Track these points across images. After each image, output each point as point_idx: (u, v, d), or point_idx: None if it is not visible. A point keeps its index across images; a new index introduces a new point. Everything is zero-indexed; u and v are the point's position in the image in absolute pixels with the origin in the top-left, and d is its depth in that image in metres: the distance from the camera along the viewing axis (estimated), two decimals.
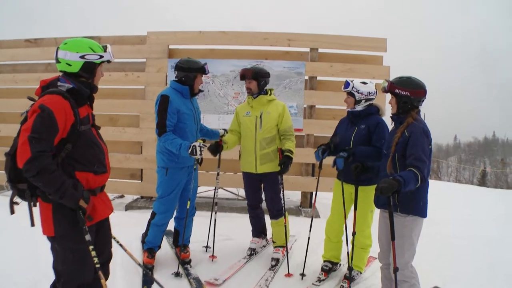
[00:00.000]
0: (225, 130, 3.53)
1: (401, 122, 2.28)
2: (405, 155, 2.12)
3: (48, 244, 1.84)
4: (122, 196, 5.89)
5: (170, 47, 5.30)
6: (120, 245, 2.20)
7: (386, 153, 2.27)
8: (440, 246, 3.84)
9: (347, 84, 2.85)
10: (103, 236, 1.98)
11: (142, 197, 5.50)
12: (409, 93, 2.22)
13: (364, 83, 2.85)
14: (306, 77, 5.15)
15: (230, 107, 5.13)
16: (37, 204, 1.79)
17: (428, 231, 2.86)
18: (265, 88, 3.30)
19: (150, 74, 5.28)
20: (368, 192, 2.70)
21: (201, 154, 2.78)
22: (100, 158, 1.89)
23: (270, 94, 3.30)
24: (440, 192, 6.92)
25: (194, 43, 5.25)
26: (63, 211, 1.75)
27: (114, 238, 2.10)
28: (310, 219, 3.72)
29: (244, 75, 3.25)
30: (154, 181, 3.06)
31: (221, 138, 3.25)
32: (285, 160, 3.09)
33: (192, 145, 2.77)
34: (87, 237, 1.75)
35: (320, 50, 5.16)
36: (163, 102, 2.86)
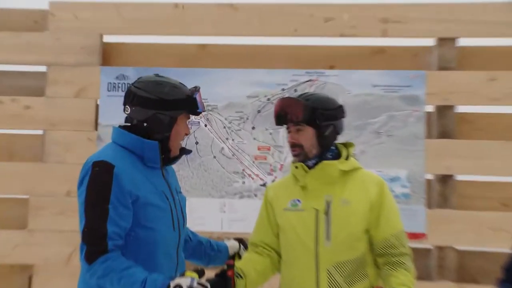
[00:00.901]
0: (240, 241, 3.58)
1: None
2: None
3: None
4: None
5: (106, 38, 5.48)
6: None
7: None
8: None
9: None
10: None
11: None
12: None
13: None
14: (430, 108, 5.20)
15: (249, 181, 5.23)
16: None
17: None
18: (334, 142, 3.35)
19: (59, 101, 5.38)
20: None
21: None
22: None
23: (348, 157, 3.34)
24: None
25: (163, 31, 5.46)
26: None
27: None
28: None
29: (285, 114, 3.31)
30: None
31: (232, 264, 3.24)
32: None
33: (172, 284, 2.73)
34: None
35: (462, 42, 5.24)
36: (101, 180, 2.88)
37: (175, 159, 3.12)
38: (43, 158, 5.27)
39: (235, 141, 5.18)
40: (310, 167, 3.23)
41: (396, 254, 3.15)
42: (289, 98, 3.36)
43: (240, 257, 3.41)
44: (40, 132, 5.32)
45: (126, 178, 2.86)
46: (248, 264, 3.29)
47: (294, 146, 3.25)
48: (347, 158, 3.26)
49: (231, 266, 3.18)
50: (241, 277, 3.20)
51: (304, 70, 5.18)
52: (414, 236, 4.82)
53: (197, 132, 5.18)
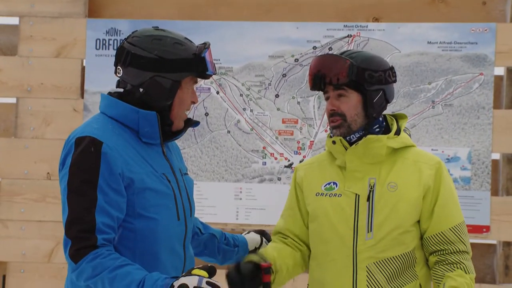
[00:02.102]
0: (262, 234, 3.64)
1: None
2: None
3: None
4: None
5: None
6: None
7: None
8: None
9: None
10: None
11: None
12: None
13: None
14: (500, 71, 5.21)
15: (271, 161, 5.28)
16: None
17: None
18: (382, 113, 3.40)
19: (35, 62, 5.46)
20: None
21: None
22: None
23: (398, 132, 3.38)
24: None
25: None
26: None
27: None
28: None
29: (323, 75, 3.31)
30: None
31: (269, 266, 3.18)
32: None
33: (176, 285, 2.71)
34: None
35: None
36: (86, 161, 2.91)
37: (179, 133, 3.12)
38: (17, 132, 5.34)
39: (254, 112, 5.21)
40: (351, 143, 3.25)
41: (452, 252, 3.17)
42: (329, 55, 3.41)
43: (262, 246, 3.46)
44: (12, 100, 5.39)
45: (117, 157, 2.87)
46: (279, 256, 3.27)
47: (334, 115, 3.24)
48: (397, 133, 3.28)
49: (268, 271, 3.10)
50: (273, 271, 3.18)
51: (342, 23, 5.20)
52: (475, 229, 4.90)
53: (207, 100, 5.19)
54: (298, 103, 5.18)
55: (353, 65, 3.18)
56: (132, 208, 2.89)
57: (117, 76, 3.08)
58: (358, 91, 3.21)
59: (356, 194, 3.20)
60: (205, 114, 5.20)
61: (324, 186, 3.30)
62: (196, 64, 3.04)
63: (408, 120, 4.94)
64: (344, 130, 3.24)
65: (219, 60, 5.08)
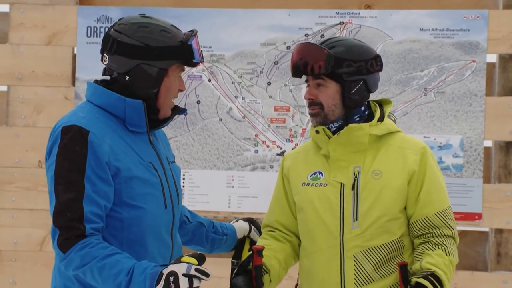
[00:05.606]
0: (250, 221, 3.63)
1: None
2: None
3: None
4: None
5: None
6: None
7: None
8: None
9: None
10: None
11: None
12: None
13: None
14: (493, 58, 5.18)
15: (263, 149, 5.28)
16: None
17: None
18: (366, 101, 3.40)
19: (26, 50, 5.45)
20: None
21: None
22: None
23: (382, 118, 3.37)
24: None
25: None
26: None
27: None
28: None
29: (303, 64, 3.32)
30: None
31: (261, 249, 3.21)
32: None
33: (165, 272, 2.72)
34: None
35: None
36: (73, 150, 2.91)
37: (165, 121, 3.14)
38: (8, 120, 5.36)
39: (246, 100, 5.21)
40: (334, 132, 3.25)
41: (436, 235, 3.20)
42: (309, 44, 3.40)
43: (251, 240, 3.47)
44: (3, 88, 5.40)
45: (104, 146, 2.88)
46: (268, 253, 3.24)
47: (312, 104, 3.28)
48: (381, 120, 3.29)
49: (261, 253, 3.12)
50: (265, 271, 3.20)
51: (334, 11, 5.19)
52: (467, 216, 4.92)
53: (199, 88, 5.17)
54: (290, 90, 5.19)
55: (331, 55, 3.20)
56: (119, 197, 2.90)
57: (104, 63, 3.07)
58: (336, 81, 3.22)
59: (341, 183, 3.21)
60: (197, 102, 5.18)
61: (310, 176, 3.31)
62: (182, 52, 3.05)
63: (400, 108, 4.98)
64: (321, 120, 3.27)
65: (210, 47, 5.14)
